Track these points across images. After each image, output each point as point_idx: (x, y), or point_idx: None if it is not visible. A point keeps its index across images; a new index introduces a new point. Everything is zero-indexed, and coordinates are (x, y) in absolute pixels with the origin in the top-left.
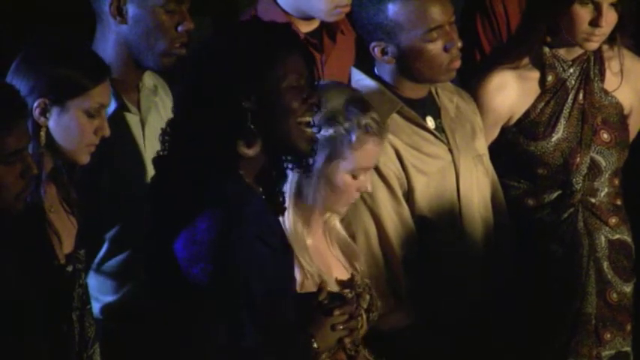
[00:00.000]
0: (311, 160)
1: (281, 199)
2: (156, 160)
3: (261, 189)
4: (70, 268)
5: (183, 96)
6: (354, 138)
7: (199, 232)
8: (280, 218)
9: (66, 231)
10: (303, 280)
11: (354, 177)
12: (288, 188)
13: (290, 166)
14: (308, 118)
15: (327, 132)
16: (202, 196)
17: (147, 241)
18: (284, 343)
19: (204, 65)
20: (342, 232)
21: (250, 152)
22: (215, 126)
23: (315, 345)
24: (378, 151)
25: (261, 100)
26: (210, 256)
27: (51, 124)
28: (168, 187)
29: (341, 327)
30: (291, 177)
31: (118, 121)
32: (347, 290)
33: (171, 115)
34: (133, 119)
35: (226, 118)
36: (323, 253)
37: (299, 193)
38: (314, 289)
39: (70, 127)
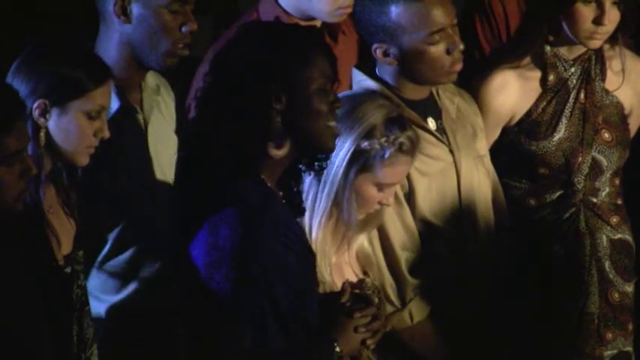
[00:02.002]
0: (324, 164)
1: (299, 201)
2: (180, 161)
3: (281, 193)
4: (68, 270)
5: (208, 96)
6: (387, 154)
7: (221, 238)
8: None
9: (64, 232)
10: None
11: (379, 189)
12: (322, 205)
13: (304, 168)
14: (333, 123)
15: (362, 144)
16: (225, 200)
17: (170, 244)
18: (307, 348)
19: (234, 65)
20: (366, 246)
21: (280, 153)
22: (245, 127)
23: (337, 349)
24: (407, 169)
25: (291, 101)
26: (232, 262)
27: (51, 125)
28: (191, 189)
29: (363, 329)
30: (327, 191)
31: (120, 120)
32: (357, 291)
33: (173, 115)
34: (135, 119)
35: (256, 119)
36: (340, 262)
37: (336, 207)
38: None
39: (69, 129)
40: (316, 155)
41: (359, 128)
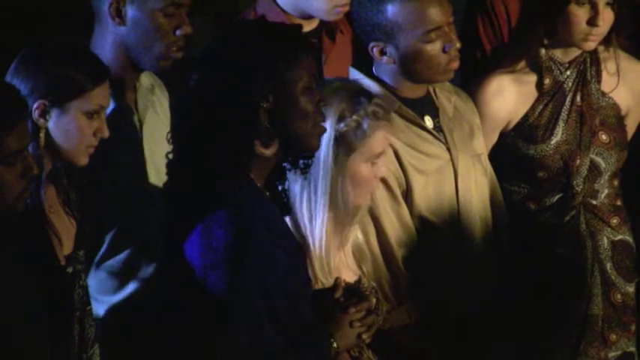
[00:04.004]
0: (310, 162)
1: (285, 199)
2: (169, 163)
3: (267, 193)
4: (70, 270)
5: (196, 96)
6: (366, 126)
7: (215, 239)
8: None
9: (65, 232)
10: (312, 284)
11: (372, 164)
12: (320, 203)
13: (289, 166)
14: (320, 121)
15: (340, 128)
16: (216, 201)
17: (163, 245)
18: (304, 346)
19: (220, 65)
20: (359, 236)
21: (268, 152)
22: (232, 126)
23: (335, 344)
24: (390, 133)
25: (278, 100)
26: (227, 263)
27: (50, 125)
28: (181, 190)
29: (359, 324)
30: (321, 188)
31: (115, 120)
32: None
33: (168, 114)
34: (130, 119)
35: (244, 119)
36: (337, 265)
37: (332, 201)
38: None
39: (69, 129)
40: (301, 153)
41: (330, 116)
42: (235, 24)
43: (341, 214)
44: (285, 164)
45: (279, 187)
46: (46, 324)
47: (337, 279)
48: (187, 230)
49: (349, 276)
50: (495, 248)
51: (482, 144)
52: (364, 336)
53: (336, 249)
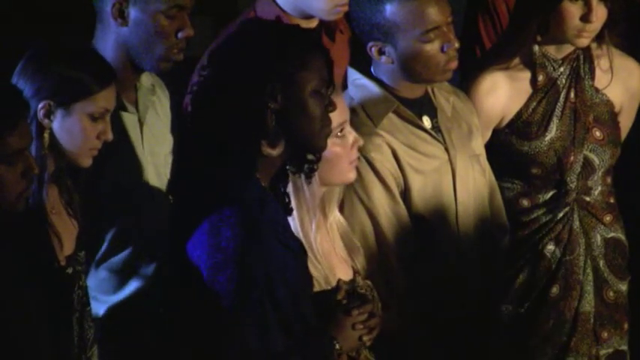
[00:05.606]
0: (315, 166)
1: (287, 200)
2: (176, 162)
3: (271, 193)
4: (69, 270)
5: (204, 94)
6: None
7: (224, 239)
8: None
9: (67, 233)
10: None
11: (340, 138)
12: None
13: (293, 169)
14: (328, 125)
15: None
16: (223, 200)
17: (167, 243)
18: (307, 346)
19: (231, 62)
20: (343, 221)
21: (274, 152)
22: (240, 126)
23: (337, 346)
24: (342, 101)
25: (286, 102)
26: (235, 263)
27: (55, 126)
28: (187, 189)
29: (361, 326)
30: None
31: (116, 120)
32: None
33: (168, 115)
34: (131, 119)
35: (251, 118)
36: (327, 254)
37: (297, 191)
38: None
39: (73, 131)
40: (307, 155)
41: None
42: (248, 24)
43: (307, 199)
44: (288, 167)
45: (282, 189)
46: (44, 324)
47: (339, 281)
48: (192, 229)
49: (345, 274)
50: (493, 248)
51: (481, 144)
52: (365, 338)
53: (315, 231)
